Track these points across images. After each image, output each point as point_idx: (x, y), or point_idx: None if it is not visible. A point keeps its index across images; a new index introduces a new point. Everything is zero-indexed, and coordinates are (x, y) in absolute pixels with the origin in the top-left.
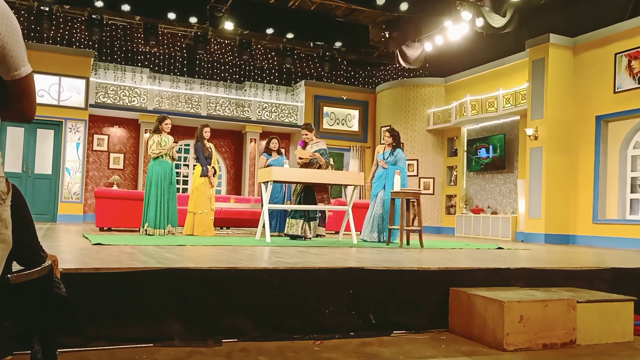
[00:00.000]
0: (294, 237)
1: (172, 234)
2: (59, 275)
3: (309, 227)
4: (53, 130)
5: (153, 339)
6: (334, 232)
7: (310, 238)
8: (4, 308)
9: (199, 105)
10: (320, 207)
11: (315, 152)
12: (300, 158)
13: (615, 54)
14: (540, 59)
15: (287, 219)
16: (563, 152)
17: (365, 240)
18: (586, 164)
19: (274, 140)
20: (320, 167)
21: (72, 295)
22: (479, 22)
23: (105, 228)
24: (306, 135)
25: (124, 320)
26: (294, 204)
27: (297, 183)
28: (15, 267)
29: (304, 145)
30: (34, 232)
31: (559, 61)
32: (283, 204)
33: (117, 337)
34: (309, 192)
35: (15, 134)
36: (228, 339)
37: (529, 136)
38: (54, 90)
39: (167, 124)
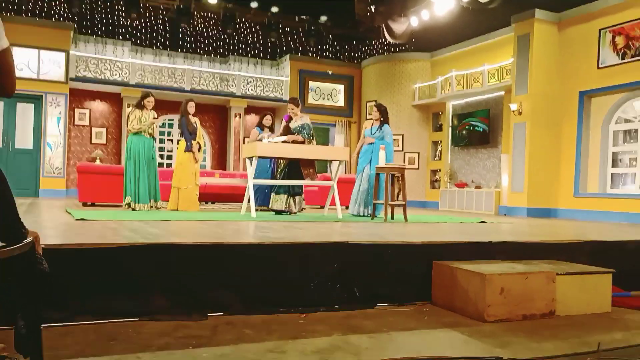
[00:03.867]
0: (278, 212)
1: (157, 208)
2: (40, 251)
3: (294, 201)
4: (33, 105)
5: (139, 314)
6: (319, 206)
7: (295, 212)
8: None
9: (183, 80)
10: (305, 182)
11: (298, 126)
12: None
13: (600, 30)
14: (526, 35)
15: (272, 194)
16: (546, 127)
17: (354, 215)
18: (569, 139)
19: (268, 117)
20: (302, 142)
21: (55, 270)
22: None
23: (88, 203)
24: (292, 109)
25: (109, 295)
26: (278, 179)
27: (282, 158)
28: None
29: (289, 119)
30: (15, 208)
31: (544, 37)
32: (272, 179)
33: (103, 312)
34: (294, 167)
35: None
36: (214, 312)
37: (513, 111)
38: (33, 63)
39: (149, 101)
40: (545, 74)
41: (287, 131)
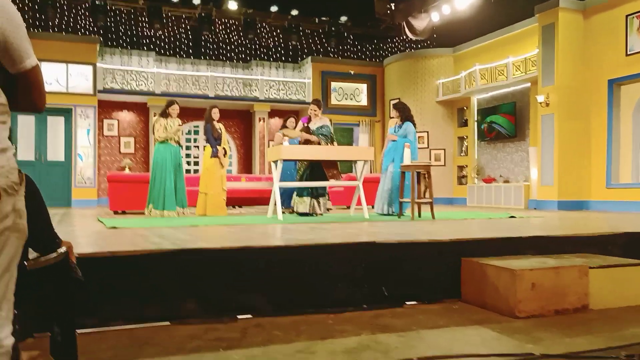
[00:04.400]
0: (303, 214)
1: (184, 215)
2: (74, 260)
3: (318, 203)
4: (63, 117)
5: (170, 318)
6: (345, 207)
7: (321, 214)
8: (22, 294)
9: (207, 87)
10: (331, 183)
11: (318, 127)
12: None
13: (627, 16)
14: (550, 24)
15: (294, 197)
16: (575, 118)
17: (380, 214)
18: (598, 129)
19: (291, 119)
20: (319, 144)
21: (89, 278)
22: None
23: (119, 211)
24: (315, 111)
25: (141, 301)
26: (299, 181)
27: (307, 160)
28: (32, 254)
29: (308, 120)
30: (48, 219)
31: (569, 25)
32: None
33: (135, 317)
34: (316, 169)
35: (26, 122)
36: (243, 315)
37: (540, 103)
38: (62, 77)
39: (174, 109)
40: (571, 63)
41: (307, 131)
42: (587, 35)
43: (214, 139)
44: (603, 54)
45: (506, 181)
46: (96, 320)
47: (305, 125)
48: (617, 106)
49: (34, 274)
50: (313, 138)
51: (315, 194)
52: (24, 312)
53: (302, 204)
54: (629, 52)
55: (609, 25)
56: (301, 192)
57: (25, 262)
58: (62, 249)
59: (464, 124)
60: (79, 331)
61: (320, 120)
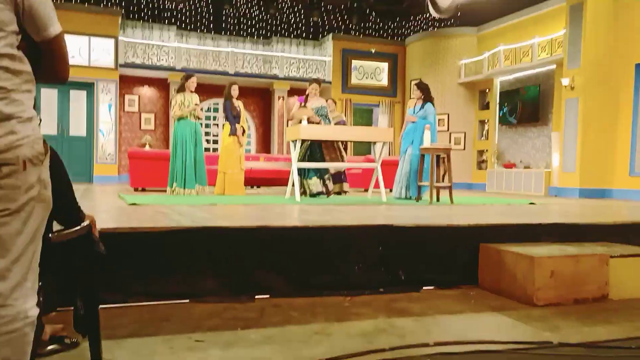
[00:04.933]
0: (317, 194)
1: (203, 193)
2: (97, 234)
3: (323, 181)
4: (85, 92)
5: (189, 295)
6: (363, 189)
7: (331, 192)
8: (47, 266)
9: (227, 63)
10: (349, 164)
11: (317, 107)
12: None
13: None
14: (578, 4)
15: (303, 181)
16: (600, 103)
17: (398, 198)
18: (624, 115)
19: (330, 100)
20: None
21: (111, 253)
22: None
23: (140, 188)
24: (316, 90)
25: (161, 277)
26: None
27: (326, 141)
28: (56, 227)
29: (305, 99)
30: (72, 192)
31: (598, 5)
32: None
33: (155, 293)
34: (315, 151)
35: (49, 95)
36: (261, 295)
37: (565, 86)
38: (84, 50)
39: (192, 82)
40: (599, 45)
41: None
42: (617, 15)
43: (232, 116)
44: (632, 35)
45: (527, 167)
46: (118, 295)
47: (303, 105)
48: None
49: (57, 246)
50: (316, 119)
51: (320, 173)
52: (48, 285)
53: (313, 185)
54: None
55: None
56: (309, 174)
57: (49, 234)
58: (86, 223)
59: (486, 106)
60: (101, 306)
61: (317, 101)
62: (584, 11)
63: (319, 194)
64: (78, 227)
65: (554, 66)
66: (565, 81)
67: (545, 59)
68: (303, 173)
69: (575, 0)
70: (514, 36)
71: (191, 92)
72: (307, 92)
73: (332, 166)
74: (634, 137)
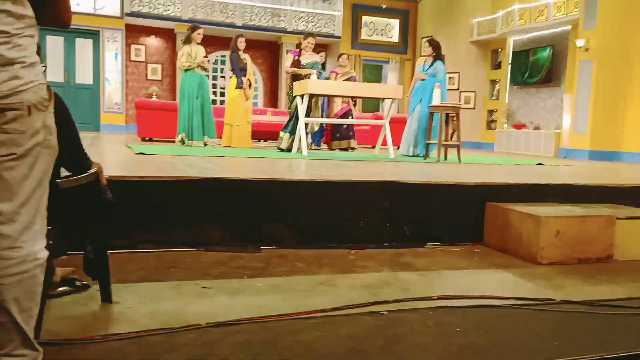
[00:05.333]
0: (281, 150)
1: (211, 145)
2: (104, 181)
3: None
4: (91, 40)
5: (197, 244)
6: (371, 146)
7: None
8: (56, 211)
9: (234, 15)
10: (354, 121)
11: (310, 62)
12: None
13: None
14: None
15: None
16: (615, 65)
17: (405, 155)
18: (638, 78)
19: (322, 53)
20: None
21: (119, 200)
22: None
23: (147, 138)
24: (311, 44)
25: (168, 226)
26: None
27: (336, 96)
28: (64, 173)
29: (299, 53)
30: (78, 140)
31: None
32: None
33: (163, 241)
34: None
35: (55, 43)
36: (267, 246)
37: (580, 48)
38: None
39: (199, 33)
40: (616, 5)
41: (298, 65)
42: None
43: (239, 69)
44: None
45: (536, 128)
46: (127, 242)
47: (296, 58)
48: None
49: (66, 192)
50: (307, 71)
51: (291, 131)
52: (58, 229)
53: (281, 140)
54: None
55: None
56: (284, 128)
57: (57, 180)
58: (93, 170)
59: (497, 66)
60: (110, 252)
61: (311, 56)
62: None
63: (283, 150)
64: (85, 174)
65: (569, 27)
66: (580, 42)
67: (561, 19)
68: (286, 126)
69: None
70: None
71: (197, 44)
72: (301, 46)
73: (342, 122)
74: None
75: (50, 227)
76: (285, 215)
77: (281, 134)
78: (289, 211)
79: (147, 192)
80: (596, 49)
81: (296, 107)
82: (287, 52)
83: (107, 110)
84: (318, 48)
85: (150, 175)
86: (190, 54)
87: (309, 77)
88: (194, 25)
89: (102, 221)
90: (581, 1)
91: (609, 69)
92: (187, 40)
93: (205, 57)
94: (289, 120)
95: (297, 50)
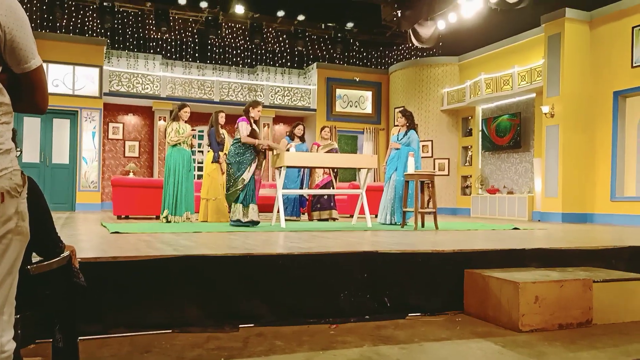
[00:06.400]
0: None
1: (190, 220)
2: (77, 264)
3: (245, 210)
4: (69, 120)
5: (172, 325)
6: (349, 215)
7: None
8: (25, 298)
9: (212, 91)
10: (334, 191)
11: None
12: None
13: (633, 28)
14: (556, 34)
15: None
16: (580, 130)
17: (383, 224)
18: (604, 141)
19: (300, 127)
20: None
21: (91, 283)
22: None
23: (122, 216)
24: (260, 112)
25: (142, 307)
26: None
27: (311, 167)
28: (35, 258)
29: (249, 121)
30: (52, 223)
31: (575, 36)
32: (301, 189)
33: (137, 324)
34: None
35: (32, 124)
36: (245, 324)
37: (545, 114)
38: (68, 79)
39: (186, 111)
40: (577, 74)
41: (254, 135)
42: (593, 46)
43: (217, 143)
44: (609, 65)
45: (510, 192)
46: (98, 326)
47: (252, 128)
48: (623, 118)
49: (37, 278)
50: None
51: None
52: (27, 317)
53: (235, 212)
54: (634, 64)
55: (615, 36)
56: (235, 200)
57: (28, 266)
58: (66, 253)
59: (469, 133)
60: (81, 338)
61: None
62: (561, 42)
63: (252, 223)
64: (57, 258)
65: (533, 94)
66: (545, 109)
67: (525, 87)
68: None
69: (553, 31)
70: (494, 65)
71: (184, 121)
72: (250, 114)
73: (319, 192)
74: (614, 162)
75: (18, 316)
76: (263, 291)
77: (234, 206)
78: (266, 286)
79: (120, 273)
80: (561, 114)
81: (239, 175)
82: (237, 123)
83: (83, 189)
84: (296, 121)
85: (124, 255)
86: (179, 130)
87: (268, 148)
88: (182, 103)
89: (73, 306)
90: (544, 70)
91: (574, 133)
92: (175, 118)
93: (193, 130)
94: (234, 188)
95: (246, 118)
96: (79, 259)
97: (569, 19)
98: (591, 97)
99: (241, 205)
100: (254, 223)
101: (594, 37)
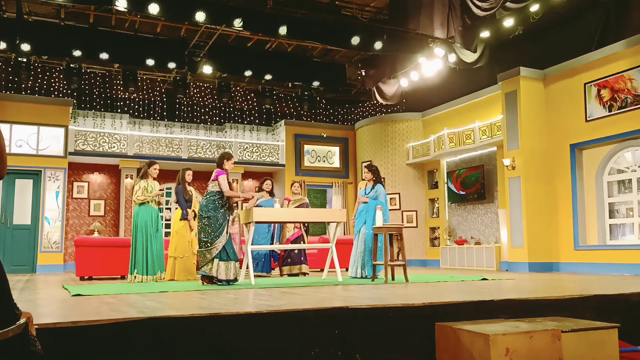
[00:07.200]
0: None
1: (161, 279)
2: (34, 332)
3: (226, 267)
4: (32, 180)
5: None
6: (319, 269)
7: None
8: None
9: (180, 149)
10: (307, 245)
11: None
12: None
13: (585, 84)
14: (513, 91)
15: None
16: (541, 181)
17: (354, 277)
18: (564, 192)
19: (268, 182)
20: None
21: (49, 350)
22: (452, 57)
23: (86, 277)
24: (232, 164)
25: None
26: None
27: (280, 223)
28: None
29: (227, 174)
30: (7, 290)
31: (531, 93)
32: (271, 244)
33: None
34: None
35: None
36: None
37: (507, 166)
38: (32, 139)
39: (155, 169)
40: (535, 128)
41: (232, 187)
42: (548, 101)
43: (185, 201)
44: (564, 119)
45: (477, 243)
46: None
47: (231, 180)
48: (580, 169)
49: None
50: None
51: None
52: None
53: (216, 269)
54: (588, 118)
55: (569, 92)
56: (216, 255)
57: None
58: (22, 321)
59: (435, 185)
60: None
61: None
62: (517, 98)
63: (234, 280)
64: (13, 327)
65: (495, 148)
66: (506, 161)
67: (487, 141)
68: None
69: (509, 89)
70: (456, 120)
71: (153, 179)
72: (224, 166)
73: (288, 247)
74: (575, 212)
75: None
76: (232, 351)
77: (215, 262)
78: (236, 346)
79: (80, 339)
80: (522, 167)
81: (221, 230)
82: (216, 176)
83: (45, 250)
84: (264, 177)
85: (85, 320)
86: (147, 187)
87: (245, 201)
88: (151, 161)
89: None
90: (503, 125)
91: (536, 184)
92: (144, 175)
93: (160, 190)
94: (212, 244)
95: (223, 170)
96: (36, 325)
97: (523, 77)
98: (549, 149)
99: (220, 261)
100: (232, 281)
101: (548, 94)
